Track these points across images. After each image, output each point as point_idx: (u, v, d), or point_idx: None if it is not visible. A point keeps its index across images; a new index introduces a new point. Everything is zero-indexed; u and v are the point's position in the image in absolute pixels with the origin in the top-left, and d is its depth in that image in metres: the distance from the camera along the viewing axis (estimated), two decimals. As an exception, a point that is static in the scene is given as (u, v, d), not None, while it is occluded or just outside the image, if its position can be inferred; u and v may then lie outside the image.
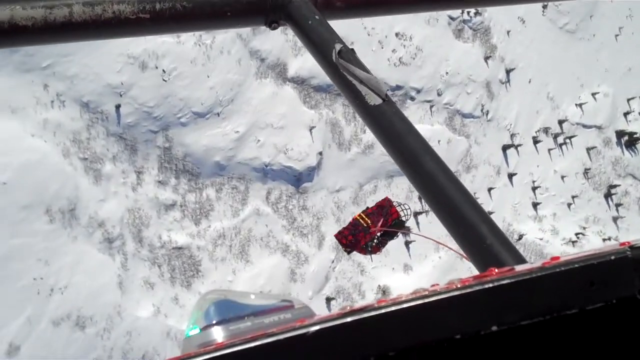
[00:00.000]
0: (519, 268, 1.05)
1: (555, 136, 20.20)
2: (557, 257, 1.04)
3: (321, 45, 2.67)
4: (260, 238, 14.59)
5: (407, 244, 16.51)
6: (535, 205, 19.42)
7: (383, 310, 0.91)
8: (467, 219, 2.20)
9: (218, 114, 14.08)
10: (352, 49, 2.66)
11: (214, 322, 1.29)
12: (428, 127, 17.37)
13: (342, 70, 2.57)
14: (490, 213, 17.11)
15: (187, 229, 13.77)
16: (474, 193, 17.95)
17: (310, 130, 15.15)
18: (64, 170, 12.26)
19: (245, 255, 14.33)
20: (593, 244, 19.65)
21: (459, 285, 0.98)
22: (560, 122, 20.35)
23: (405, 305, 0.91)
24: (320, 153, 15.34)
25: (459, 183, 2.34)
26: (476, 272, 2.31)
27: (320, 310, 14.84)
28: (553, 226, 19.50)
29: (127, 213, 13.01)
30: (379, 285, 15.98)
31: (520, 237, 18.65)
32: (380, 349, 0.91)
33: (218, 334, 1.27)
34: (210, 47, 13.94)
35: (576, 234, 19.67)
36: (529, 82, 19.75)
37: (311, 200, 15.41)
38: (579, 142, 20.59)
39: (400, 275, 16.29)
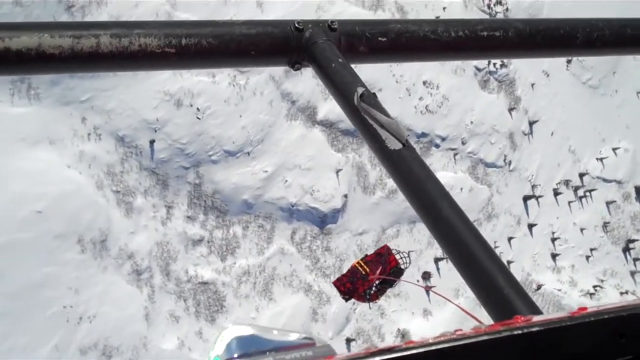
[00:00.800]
0: (547, 316, 1.03)
1: (576, 189, 20.18)
2: (585, 308, 1.02)
3: (343, 88, 2.55)
4: (284, 277, 14.62)
5: (426, 289, 16.49)
6: (554, 256, 19.34)
7: (411, 352, 0.89)
8: (484, 268, 2.06)
9: (248, 153, 14.20)
10: (374, 93, 2.51)
11: (236, 355, 1.23)
12: (451, 174, 17.43)
13: (364, 114, 2.44)
14: (510, 262, 17.15)
15: (213, 264, 13.82)
16: (494, 242, 17.96)
17: (337, 172, 15.24)
18: (97, 202, 12.38)
19: (269, 293, 14.35)
20: (610, 297, 19.53)
21: (487, 330, 0.96)
22: (581, 176, 20.33)
23: (433, 348, 0.90)
24: (346, 196, 15.40)
25: (476, 231, 2.14)
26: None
27: (340, 350, 14.78)
28: (571, 277, 19.40)
29: (156, 246, 13.09)
30: (399, 329, 15.93)
31: (539, 287, 18.57)
32: None
33: None
34: (244, 87, 14.11)
35: (594, 287, 19.54)
36: (552, 134, 19.79)
37: (335, 241, 15.45)
38: (598, 195, 20.56)
39: (420, 320, 16.23)
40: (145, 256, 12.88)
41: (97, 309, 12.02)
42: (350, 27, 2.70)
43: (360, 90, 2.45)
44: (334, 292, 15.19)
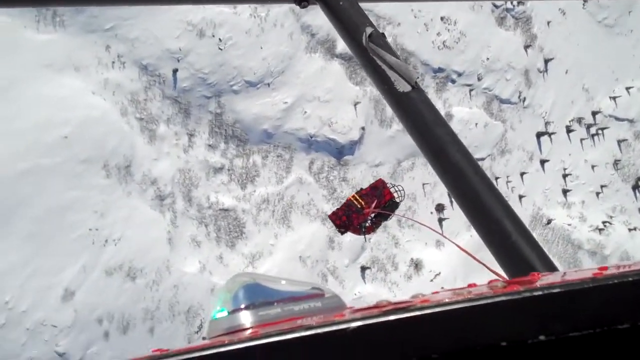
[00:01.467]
0: (567, 276, 1.02)
1: (588, 127, 20.18)
2: (605, 267, 1.02)
3: (351, 27, 2.63)
4: (301, 205, 14.78)
5: (440, 220, 16.65)
6: (565, 192, 19.44)
7: (426, 311, 0.88)
8: (492, 214, 2.15)
9: (268, 84, 14.26)
10: (383, 34, 2.58)
11: (243, 306, 1.26)
12: (467, 110, 17.46)
13: (372, 54, 2.51)
14: (522, 197, 17.28)
15: (234, 192, 13.98)
16: (507, 177, 18.06)
17: (355, 105, 15.29)
18: (121, 129, 12.51)
19: (287, 221, 14.53)
20: (619, 233, 19.69)
21: (506, 290, 0.95)
22: (594, 114, 20.31)
23: (449, 308, 0.88)
24: (363, 128, 15.48)
25: (486, 177, 2.27)
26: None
27: (354, 278, 15.06)
28: (581, 213, 19.53)
29: (178, 173, 13.24)
30: (412, 258, 16.13)
31: (549, 221, 18.71)
32: (423, 351, 0.88)
33: (246, 318, 1.23)
34: (265, 19, 14.11)
35: (603, 223, 19.68)
36: (566, 72, 19.71)
37: (351, 172, 15.57)
38: (610, 133, 20.55)
39: (432, 250, 16.42)
40: (168, 182, 13.05)
41: (122, 232, 12.23)
42: None
43: (368, 30, 2.54)
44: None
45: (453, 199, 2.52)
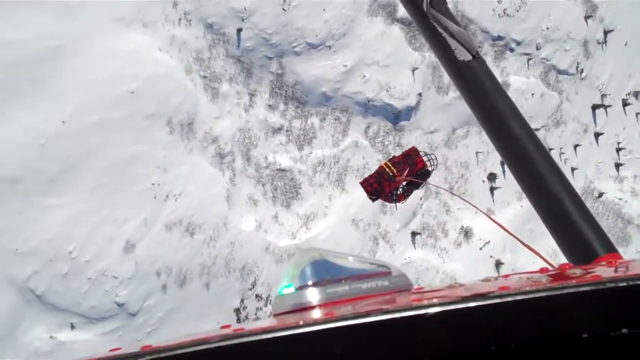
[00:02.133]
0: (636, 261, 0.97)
1: (645, 101, 19.89)
2: None
3: None
4: (356, 169, 14.77)
5: (491, 189, 16.56)
6: (617, 165, 19.20)
7: (507, 299, 0.86)
8: (552, 192, 2.06)
9: (329, 47, 14.19)
10: (445, 0, 2.49)
11: (310, 282, 1.25)
12: (524, 79, 17.25)
13: (432, 21, 2.41)
14: (574, 169, 17.09)
15: (291, 153, 14.01)
16: (560, 148, 17.87)
17: (413, 71, 15.17)
18: (185, 86, 12.55)
19: (342, 183, 14.54)
20: (670, 208, 19.47)
21: (585, 279, 0.92)
22: (651, 88, 20.00)
23: (531, 296, 0.86)
24: (420, 94, 15.38)
25: (547, 154, 2.19)
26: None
27: (405, 242, 15.08)
28: (633, 188, 19.29)
29: (239, 132, 13.28)
30: (462, 226, 16.10)
31: (600, 195, 18.53)
32: (502, 339, 0.86)
33: (313, 295, 1.22)
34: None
35: (655, 198, 19.48)
36: (625, 45, 19.36)
37: (406, 138, 15.50)
38: (667, 108, 20.23)
39: (483, 219, 16.32)
40: (229, 141, 13.10)
41: (183, 188, 12.34)
42: None
43: None
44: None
45: (511, 173, 2.25)
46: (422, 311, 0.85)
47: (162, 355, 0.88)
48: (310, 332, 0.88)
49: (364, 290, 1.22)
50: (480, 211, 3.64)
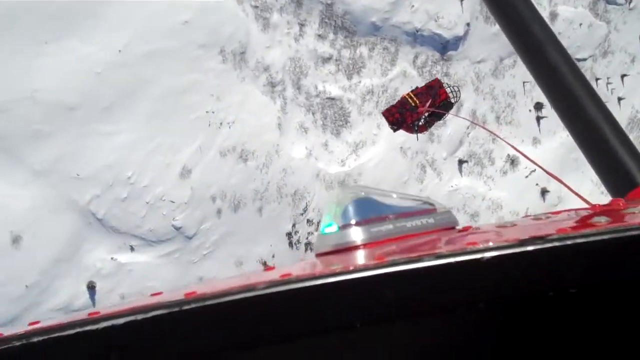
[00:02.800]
0: None
1: (695, 29, 19.42)
2: None
3: None
4: (404, 98, 14.74)
5: (538, 119, 16.43)
6: (666, 95, 18.91)
7: (568, 242, 0.82)
8: (591, 120, 1.98)
9: (379, -23, 14.09)
10: None
11: (354, 221, 1.20)
12: (572, 9, 16.93)
13: None
14: (621, 99, 16.84)
15: (340, 82, 14.01)
16: (607, 78, 17.61)
17: (461, 0, 14.99)
18: (237, 16, 12.57)
19: (390, 112, 14.54)
20: None
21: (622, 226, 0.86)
22: (702, 16, 19.49)
23: (593, 239, 0.82)
24: (468, 24, 15.20)
25: (586, 81, 2.08)
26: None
27: (452, 170, 15.09)
28: (681, 117, 19.05)
29: (289, 61, 13.31)
30: (508, 154, 16.03)
31: (647, 124, 18.33)
32: (562, 284, 0.82)
33: (357, 235, 1.18)
34: None
35: (702, 127, 19.16)
36: (676, -26, 18.88)
37: (454, 67, 15.40)
38: None
39: (529, 148, 16.24)
40: (280, 70, 13.15)
41: (236, 116, 12.46)
42: None
43: None
44: (450, 116, 15.32)
45: (548, 101, 2.20)
46: (478, 255, 0.81)
47: (207, 303, 0.83)
48: (360, 278, 0.84)
49: (408, 228, 1.19)
50: (510, 145, 3.63)
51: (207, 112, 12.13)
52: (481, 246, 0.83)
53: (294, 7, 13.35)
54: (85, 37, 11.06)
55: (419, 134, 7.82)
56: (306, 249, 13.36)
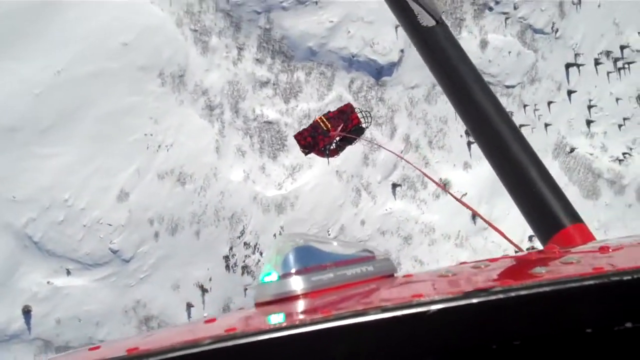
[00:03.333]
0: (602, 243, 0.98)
1: (615, 60, 20.10)
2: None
3: None
4: (340, 122, 14.91)
5: (469, 144, 16.77)
6: (588, 122, 19.50)
7: (511, 294, 0.82)
8: (515, 159, 1.99)
9: (316, 2, 14.20)
10: None
11: (293, 270, 1.18)
12: (501, 37, 17.39)
13: None
14: (548, 125, 17.36)
15: (278, 105, 14.09)
16: (535, 105, 18.12)
17: (396, 28, 15.21)
18: (176, 39, 12.55)
19: (326, 136, 14.68)
20: (637, 164, 19.85)
21: (592, 272, 0.88)
22: (622, 48, 20.19)
23: (535, 291, 0.82)
24: (402, 51, 15.47)
25: (508, 118, 2.09)
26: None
27: (386, 194, 15.29)
28: (603, 143, 19.66)
29: (227, 85, 13.33)
30: (440, 178, 16.33)
31: (572, 150, 18.84)
32: (505, 336, 0.83)
33: (297, 284, 1.16)
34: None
35: (623, 154, 19.82)
36: (599, 6, 19.53)
37: (388, 92, 15.64)
38: (636, 68, 20.47)
39: (460, 172, 16.61)
40: (218, 93, 13.16)
41: (174, 139, 12.41)
42: None
43: None
44: (384, 140, 15.55)
45: (475, 141, 2.16)
46: (425, 308, 0.81)
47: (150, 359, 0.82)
48: (308, 332, 0.84)
49: (348, 277, 1.17)
50: (433, 181, 3.69)
51: (145, 134, 12.05)
52: (427, 299, 0.83)
53: (232, 31, 13.40)
54: (24, 57, 10.88)
55: (330, 158, 7.87)
56: (243, 272, 13.36)
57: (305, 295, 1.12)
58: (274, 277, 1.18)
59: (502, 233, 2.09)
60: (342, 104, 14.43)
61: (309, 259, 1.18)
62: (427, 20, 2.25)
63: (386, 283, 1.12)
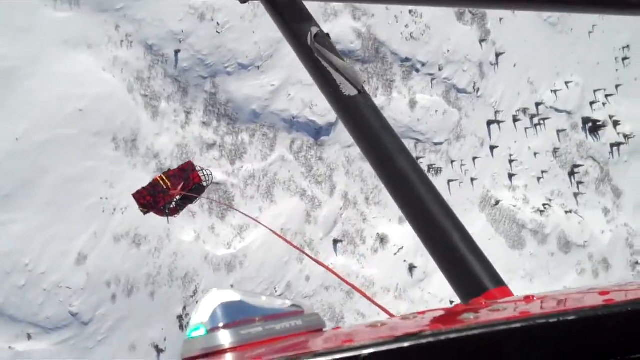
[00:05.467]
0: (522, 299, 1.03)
1: (532, 117, 21.08)
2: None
3: (295, 27, 2.49)
4: (283, 182, 15.34)
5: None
6: (510, 176, 20.36)
7: (441, 337, 0.82)
8: (438, 224, 1.99)
9: (258, 67, 14.72)
10: (328, 34, 2.44)
11: (222, 324, 1.17)
12: (428, 97, 18.18)
13: (317, 55, 2.35)
14: (474, 179, 18.13)
15: (224, 167, 14.44)
16: (461, 160, 18.91)
17: (332, 90, 15.83)
18: (128, 104, 12.84)
19: (270, 195, 15.08)
20: (557, 214, 20.79)
21: (518, 316, 0.90)
22: (537, 105, 21.19)
23: (464, 334, 0.83)
24: (339, 111, 16.04)
25: (432, 186, 2.10)
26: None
27: (328, 249, 15.71)
28: (525, 196, 20.52)
29: (177, 148, 13.64)
30: (378, 233, 16.87)
31: (497, 202, 19.64)
32: None
33: (225, 338, 1.15)
34: (258, 5, 14.48)
35: (543, 205, 20.73)
36: (514, 66, 20.56)
37: (327, 152, 16.17)
38: (551, 124, 21.47)
39: (396, 226, 17.14)
40: (168, 156, 13.45)
41: (129, 202, 12.54)
42: None
43: (314, 30, 2.38)
44: (324, 198, 16.04)
45: (398, 208, 2.19)
46: (356, 353, 0.81)
47: None
48: None
49: (277, 330, 1.19)
50: (272, 230, 3.61)
51: (101, 198, 12.23)
52: (358, 344, 0.83)
53: (180, 95, 13.76)
54: (-19, 126, 11.02)
55: (171, 218, 7.96)
56: (195, 331, 13.47)
57: (233, 349, 1.11)
58: (201, 332, 1.16)
59: (369, 297, 2.06)
60: (284, 164, 14.98)
61: (238, 313, 1.19)
62: (349, 90, 2.26)
63: (315, 336, 1.13)
